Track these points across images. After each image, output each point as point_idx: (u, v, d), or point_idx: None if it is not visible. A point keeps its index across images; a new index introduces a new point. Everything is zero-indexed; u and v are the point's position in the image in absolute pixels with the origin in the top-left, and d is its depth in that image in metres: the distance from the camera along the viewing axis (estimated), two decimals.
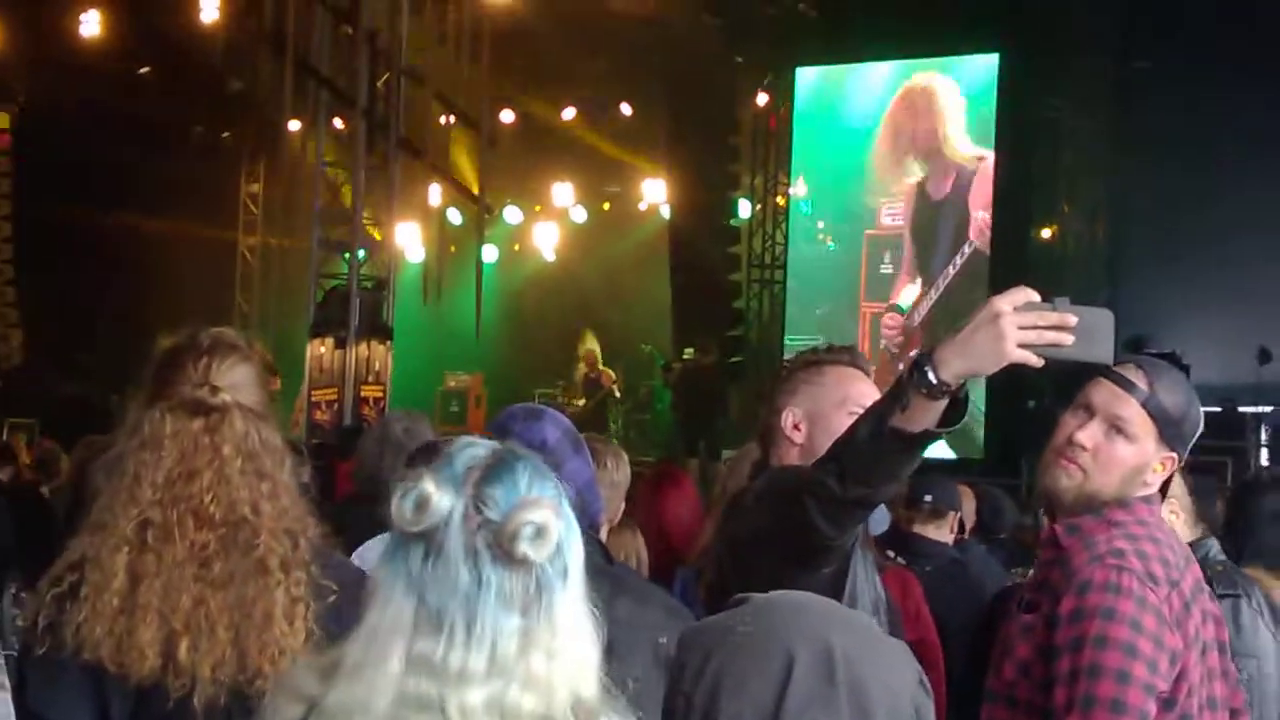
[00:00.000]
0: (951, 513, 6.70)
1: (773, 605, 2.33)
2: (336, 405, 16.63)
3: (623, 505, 4.77)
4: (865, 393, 3.52)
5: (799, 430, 3.59)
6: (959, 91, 18.37)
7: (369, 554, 5.33)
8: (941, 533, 6.63)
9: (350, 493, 6.59)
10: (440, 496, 1.88)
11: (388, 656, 1.88)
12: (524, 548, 1.87)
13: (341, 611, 2.96)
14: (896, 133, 18.75)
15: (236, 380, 3.05)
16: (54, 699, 2.82)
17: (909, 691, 2.26)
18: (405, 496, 1.89)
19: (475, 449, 1.96)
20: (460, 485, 1.90)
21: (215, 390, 3.00)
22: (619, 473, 4.76)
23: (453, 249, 21.83)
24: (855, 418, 3.03)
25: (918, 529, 6.58)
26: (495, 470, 1.93)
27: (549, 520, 1.89)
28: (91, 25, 21.09)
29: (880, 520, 6.83)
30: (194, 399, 2.98)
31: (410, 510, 1.88)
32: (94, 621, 2.81)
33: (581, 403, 20.26)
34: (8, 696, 2.42)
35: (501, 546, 1.87)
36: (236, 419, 2.98)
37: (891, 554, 6.30)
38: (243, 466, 2.95)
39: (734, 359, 19.41)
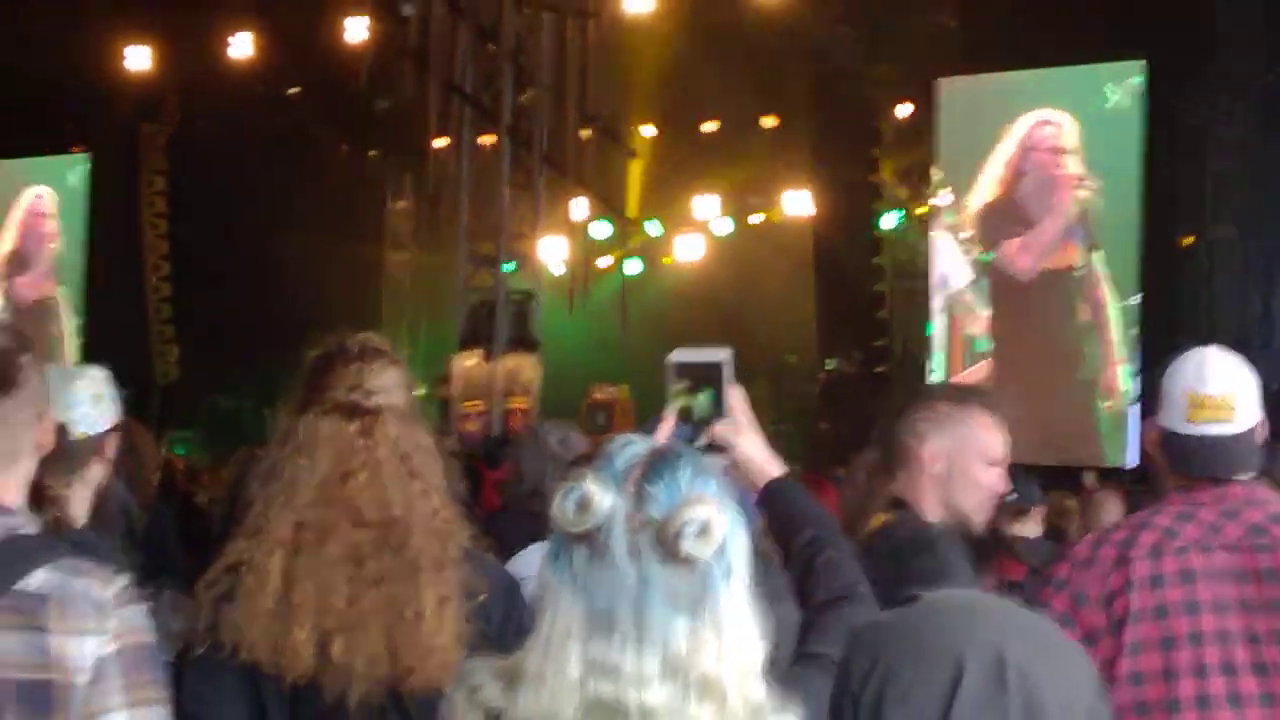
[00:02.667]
0: (1035, 508, 6.49)
1: (944, 606, 2.23)
2: (484, 416, 16.79)
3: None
4: (997, 445, 3.61)
5: (937, 463, 3.64)
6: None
7: (522, 564, 5.38)
8: (1030, 529, 6.42)
9: (501, 504, 6.64)
10: (602, 496, 1.86)
11: (566, 662, 1.86)
12: (688, 546, 1.84)
13: (490, 611, 2.99)
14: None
15: (387, 383, 3.09)
16: (211, 699, 2.87)
17: (1085, 703, 2.12)
18: (567, 497, 1.88)
19: (635, 447, 1.94)
20: (622, 484, 1.88)
21: (368, 393, 3.04)
22: None
23: (599, 263, 21.95)
24: (987, 471, 3.23)
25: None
26: (657, 468, 1.90)
27: (712, 517, 1.86)
28: (242, 47, 21.50)
29: None
30: (348, 402, 3.03)
31: (573, 511, 1.87)
32: (250, 623, 2.86)
33: None
34: (165, 711, 2.45)
35: (665, 545, 1.85)
36: (390, 421, 3.02)
37: None
38: (396, 468, 2.99)
39: (878, 369, 19.31)
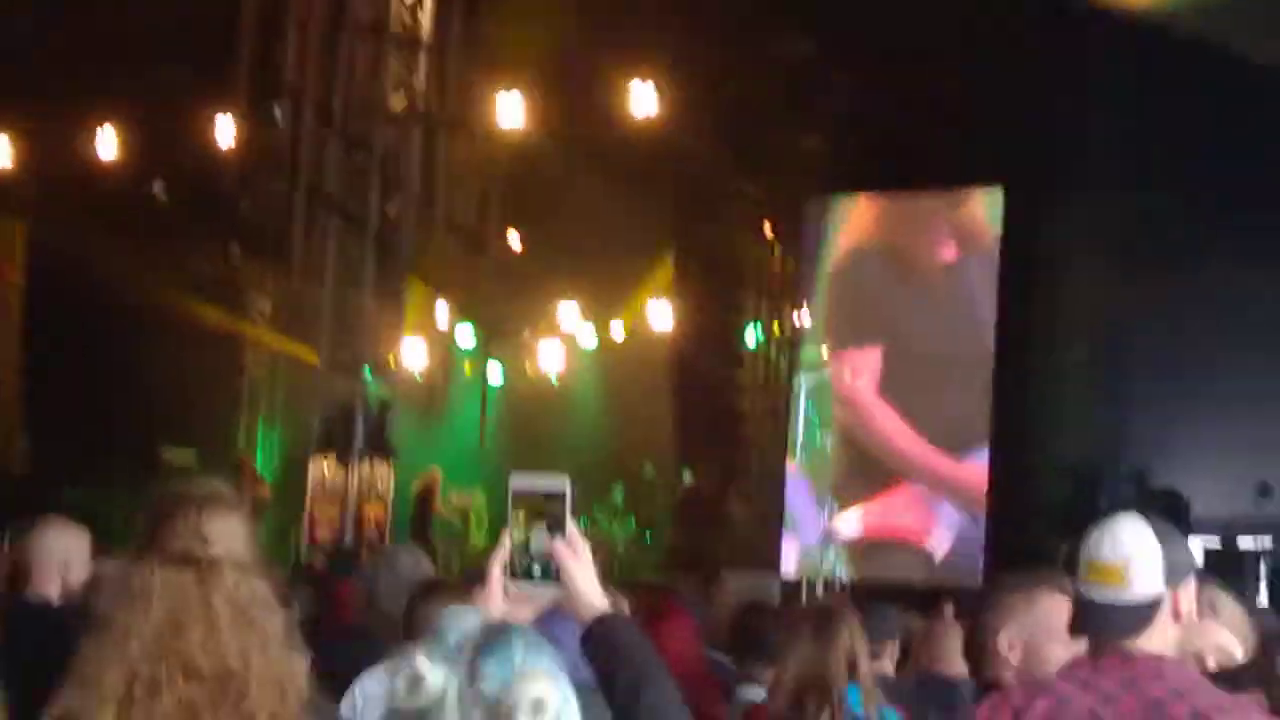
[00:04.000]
0: (888, 642, 6.46)
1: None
2: (339, 523, 16.65)
3: None
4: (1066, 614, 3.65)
5: (1014, 652, 3.82)
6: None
7: (368, 686, 5.37)
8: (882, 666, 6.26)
9: (351, 622, 6.62)
10: (434, 674, 1.87)
11: None
12: None
13: None
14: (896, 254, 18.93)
15: (226, 532, 3.09)
16: None
17: None
18: (398, 675, 1.88)
19: (467, 621, 1.96)
20: (454, 661, 1.89)
21: (205, 542, 3.03)
22: None
23: (467, 368, 21.95)
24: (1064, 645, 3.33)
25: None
26: (490, 644, 1.91)
27: (546, 693, 1.87)
28: (106, 142, 21.34)
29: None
30: (184, 551, 3.02)
31: (404, 689, 1.88)
32: None
33: None
34: None
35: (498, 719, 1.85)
36: (227, 571, 3.02)
37: None
38: (233, 619, 2.98)
39: (737, 483, 19.47)
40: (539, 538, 2.73)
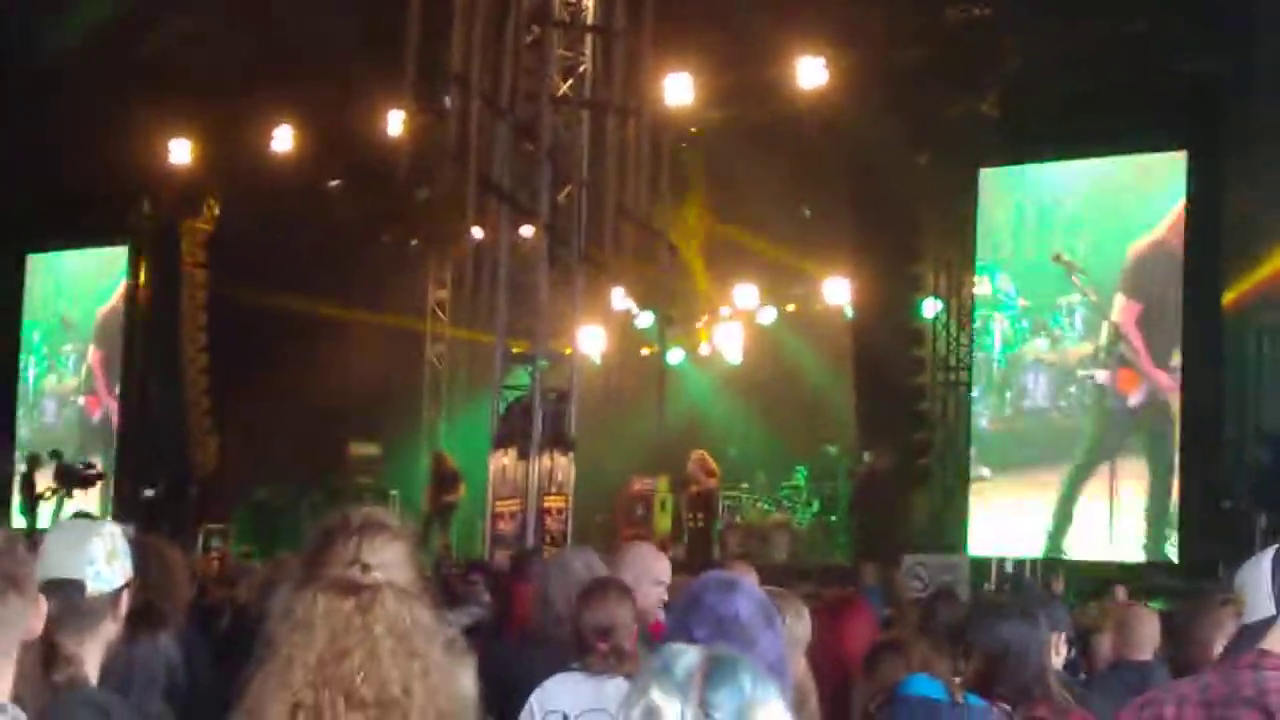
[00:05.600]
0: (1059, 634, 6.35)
1: None
2: (519, 516, 16.75)
3: (803, 660, 4.76)
4: None
5: None
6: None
7: (547, 695, 5.36)
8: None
9: (528, 626, 6.64)
10: (669, 705, 1.92)
11: None
12: None
13: None
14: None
15: (387, 559, 3.07)
16: None
17: None
18: (633, 707, 1.94)
19: (688, 655, 1.99)
20: (686, 692, 1.93)
21: (366, 569, 3.01)
22: (800, 627, 4.82)
23: (645, 351, 22.01)
24: None
25: None
26: (718, 675, 1.95)
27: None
28: (282, 140, 21.75)
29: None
30: (345, 580, 2.99)
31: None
32: None
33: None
34: None
35: None
36: (388, 599, 2.98)
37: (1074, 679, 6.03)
38: (394, 646, 2.95)
39: (920, 461, 19.20)
40: None
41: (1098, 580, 14.72)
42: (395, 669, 2.93)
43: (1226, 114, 17.10)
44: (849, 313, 20.92)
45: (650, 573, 6.10)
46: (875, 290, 19.83)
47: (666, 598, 5.96)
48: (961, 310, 20.04)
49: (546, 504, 16.77)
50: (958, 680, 4.88)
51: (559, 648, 5.84)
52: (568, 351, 17.88)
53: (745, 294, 22.57)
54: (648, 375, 20.65)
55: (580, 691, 5.38)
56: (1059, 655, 6.26)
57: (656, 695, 1.92)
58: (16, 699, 2.84)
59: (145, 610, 4.84)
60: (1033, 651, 5.10)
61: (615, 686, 5.24)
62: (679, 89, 18.70)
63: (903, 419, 19.30)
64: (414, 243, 23.76)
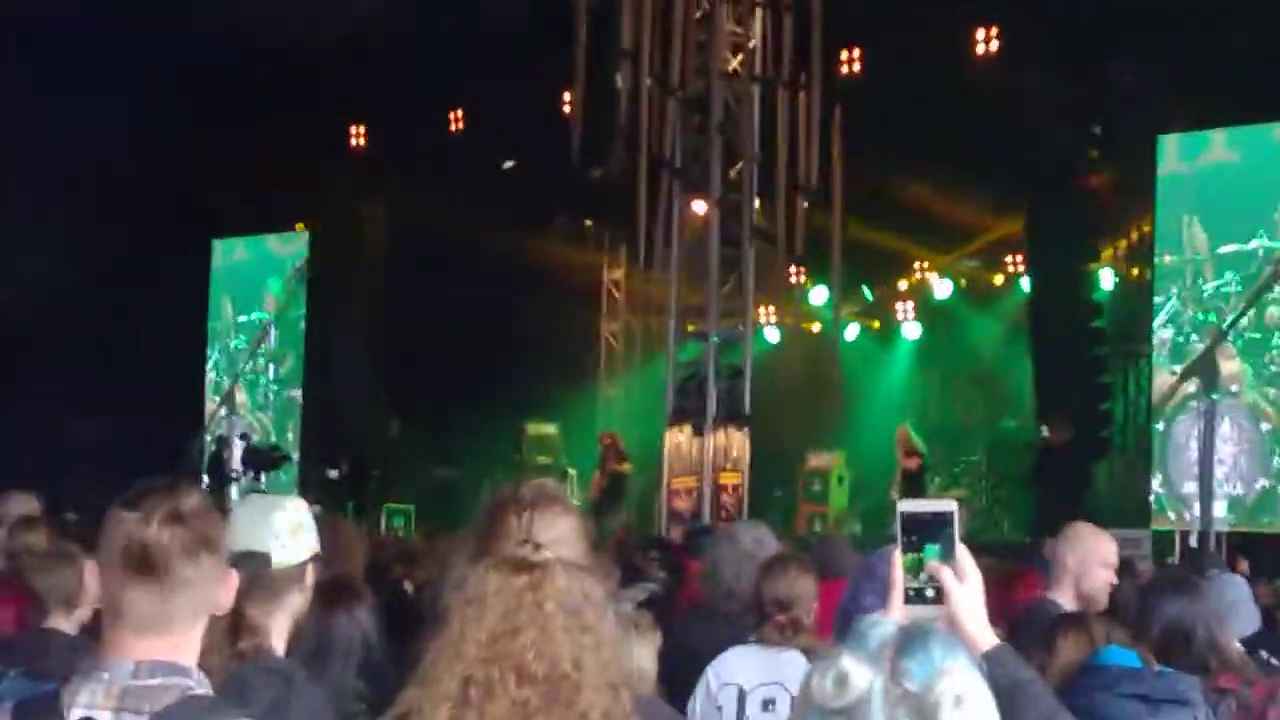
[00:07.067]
0: None
1: None
2: (695, 493, 16.80)
3: None
4: None
5: None
6: None
7: (722, 667, 5.39)
8: None
9: (699, 600, 6.68)
10: (859, 672, 1.94)
11: None
12: (946, 716, 1.92)
13: None
14: None
15: (558, 535, 3.10)
16: None
17: None
18: (825, 675, 1.95)
19: (884, 627, 2.02)
20: (877, 660, 1.96)
21: (537, 546, 3.04)
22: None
23: (818, 327, 21.93)
24: None
25: None
26: (909, 644, 1.98)
27: (967, 687, 1.95)
28: (456, 123, 22.01)
29: (1248, 617, 6.45)
30: (517, 557, 3.03)
31: (831, 687, 1.94)
32: None
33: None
34: None
35: (923, 716, 1.92)
36: (559, 575, 3.01)
37: (1266, 655, 5.91)
38: (565, 622, 2.98)
39: (1101, 434, 18.89)
40: (929, 558, 2.79)
41: None
42: (566, 644, 2.96)
43: None
44: (1026, 285, 20.63)
45: (1096, 553, 6.02)
46: (1052, 262, 19.52)
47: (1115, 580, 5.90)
48: (1141, 281, 19.65)
49: (722, 480, 16.80)
50: None
51: (727, 620, 5.88)
52: (741, 328, 17.86)
53: (919, 268, 22.40)
54: (822, 351, 20.58)
55: (756, 664, 5.41)
56: (1243, 627, 6.16)
57: (848, 663, 1.95)
58: (203, 668, 2.92)
59: (340, 585, 4.98)
60: (1200, 626, 5.04)
61: (791, 660, 5.26)
62: (849, 60, 18.59)
63: (1081, 391, 18.98)
64: (588, 223, 23.91)
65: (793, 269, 20.74)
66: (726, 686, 5.43)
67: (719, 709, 5.38)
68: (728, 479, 16.86)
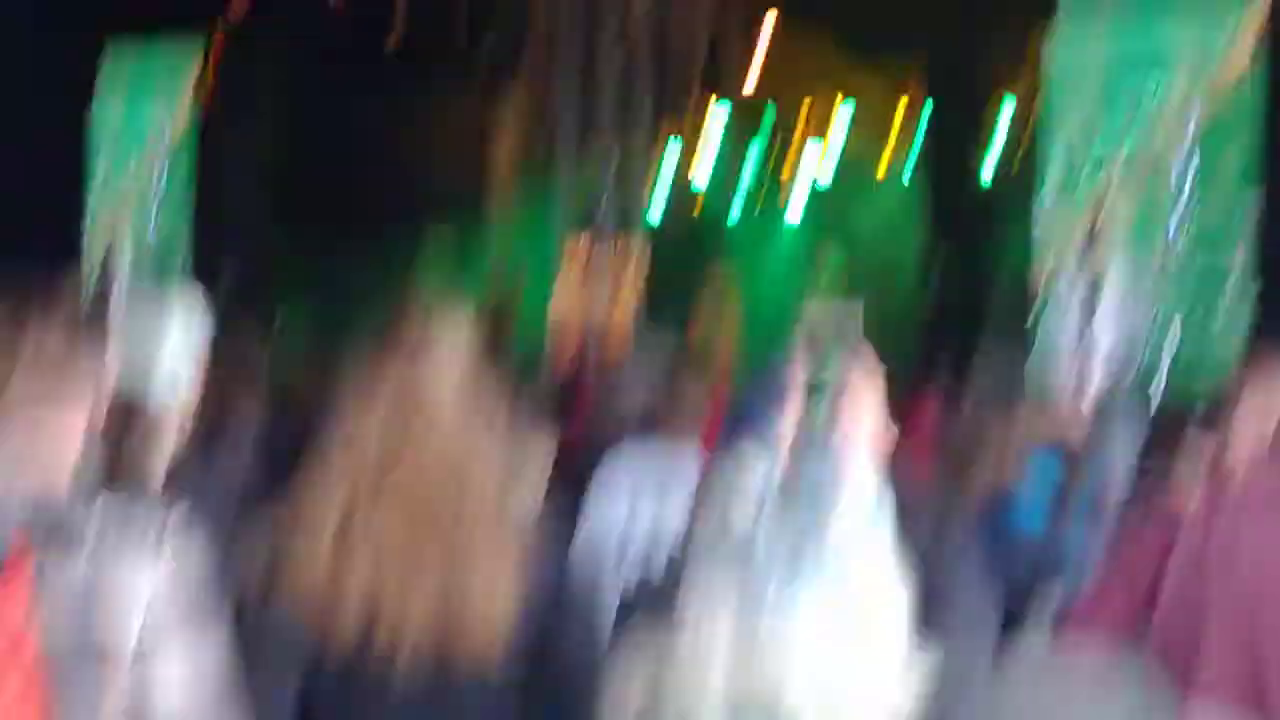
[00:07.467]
0: None
1: None
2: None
3: None
4: None
5: None
6: None
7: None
8: None
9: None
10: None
11: None
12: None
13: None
14: None
15: (456, 329, 3.12)
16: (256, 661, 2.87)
17: None
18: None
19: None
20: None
21: (436, 341, 3.07)
22: None
23: None
24: None
25: None
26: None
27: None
28: None
29: None
30: (415, 349, 3.06)
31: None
32: (303, 574, 2.92)
33: None
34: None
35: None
36: (454, 364, 3.05)
37: None
38: (462, 415, 3.02)
39: None
40: (831, 372, 2.83)
41: None
42: (458, 430, 3.00)
43: None
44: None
45: None
46: None
47: None
48: None
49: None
50: None
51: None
52: None
53: None
54: None
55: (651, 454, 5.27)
56: None
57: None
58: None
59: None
60: None
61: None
62: None
63: None
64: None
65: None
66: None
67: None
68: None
